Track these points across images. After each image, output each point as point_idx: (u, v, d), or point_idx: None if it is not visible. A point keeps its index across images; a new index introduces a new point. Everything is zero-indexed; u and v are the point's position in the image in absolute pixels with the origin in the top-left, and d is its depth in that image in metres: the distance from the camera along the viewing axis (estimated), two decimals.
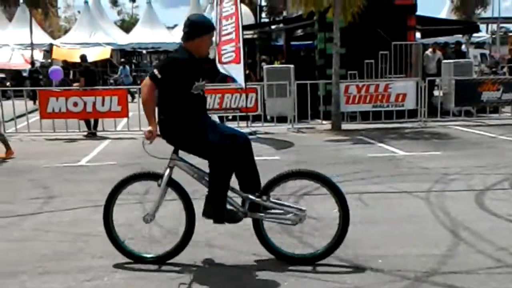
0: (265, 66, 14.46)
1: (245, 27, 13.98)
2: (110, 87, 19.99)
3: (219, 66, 11.90)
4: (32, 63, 26.72)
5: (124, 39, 32.45)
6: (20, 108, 13.36)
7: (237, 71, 12.02)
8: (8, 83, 24.51)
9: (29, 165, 9.17)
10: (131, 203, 5.89)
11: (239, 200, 4.53)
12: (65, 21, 54.74)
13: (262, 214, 4.49)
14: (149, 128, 4.33)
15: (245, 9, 17.39)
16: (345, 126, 13.02)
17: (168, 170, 4.50)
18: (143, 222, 4.55)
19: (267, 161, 8.98)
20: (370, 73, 14.32)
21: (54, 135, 12.64)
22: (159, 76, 4.32)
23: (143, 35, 31.58)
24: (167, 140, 4.48)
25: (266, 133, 12.76)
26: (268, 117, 13.64)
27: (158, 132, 4.40)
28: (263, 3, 35.54)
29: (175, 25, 38.51)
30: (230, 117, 13.80)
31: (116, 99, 12.77)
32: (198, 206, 4.51)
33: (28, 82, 24.03)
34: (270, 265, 4.48)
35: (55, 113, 12.73)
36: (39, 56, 28.98)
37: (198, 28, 4.46)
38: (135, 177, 4.65)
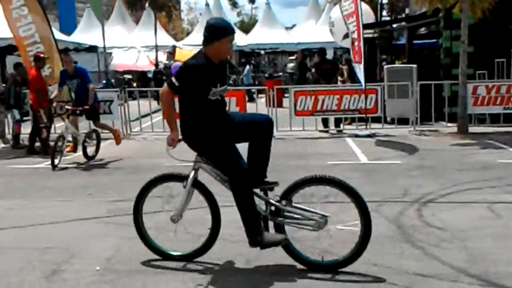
0: (385, 66, 14.00)
1: (365, 26, 13.61)
2: (229, 87, 20.19)
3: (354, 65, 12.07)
4: (156, 64, 27.81)
5: (243, 40, 32.95)
6: (145, 108, 13.85)
7: (359, 71, 11.79)
8: (134, 84, 25.67)
9: (151, 164, 9.44)
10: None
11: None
12: (188, 24, 56.66)
13: (281, 219, 4.41)
14: (170, 134, 4.45)
15: (365, 7, 16.94)
16: (472, 129, 12.28)
17: (193, 172, 4.57)
18: (171, 222, 4.61)
19: (387, 165, 8.63)
20: (501, 73, 13.44)
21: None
22: (176, 83, 4.32)
23: (262, 35, 31.86)
24: (188, 145, 4.52)
25: (386, 135, 12.32)
26: (388, 119, 13.17)
27: (180, 137, 4.46)
28: (384, 1, 34.68)
29: (293, 25, 38.57)
30: (348, 120, 13.53)
31: (234, 101, 12.88)
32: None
33: (152, 83, 25.00)
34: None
35: None
36: (162, 57, 30.10)
37: (217, 32, 4.39)
38: (162, 178, 4.74)
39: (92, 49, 25.52)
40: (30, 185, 8.13)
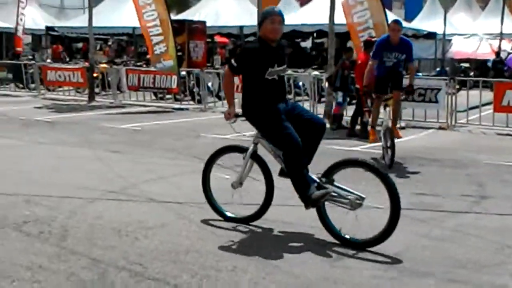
0: None
1: None
2: None
3: None
4: (498, 53, 25.95)
5: None
6: (475, 99, 12.99)
7: None
8: (471, 73, 24.43)
9: (469, 159, 8.79)
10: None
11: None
12: None
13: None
14: (227, 109, 5.11)
15: None
16: None
17: (252, 146, 5.14)
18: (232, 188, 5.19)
19: None
20: None
21: (508, 130, 11.84)
22: (235, 64, 4.95)
23: None
24: (249, 121, 5.10)
25: None
26: None
27: (239, 113, 5.09)
28: None
29: None
30: None
31: None
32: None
33: (491, 73, 23.46)
34: None
35: (510, 106, 11.93)
36: (507, 46, 27.96)
37: (261, 17, 5.11)
38: (227, 149, 5.44)
39: (431, 36, 25.07)
40: None
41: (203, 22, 20.46)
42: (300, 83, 15.51)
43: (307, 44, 28.18)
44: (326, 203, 4.80)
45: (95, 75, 17.08)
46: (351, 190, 4.76)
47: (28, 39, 31.17)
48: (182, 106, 15.51)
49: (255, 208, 5.28)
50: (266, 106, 4.92)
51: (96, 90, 17.22)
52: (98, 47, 33.99)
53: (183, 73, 16.31)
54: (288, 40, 24.39)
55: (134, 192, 6.31)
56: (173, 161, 8.33)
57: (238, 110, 5.19)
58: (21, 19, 22.65)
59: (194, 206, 5.84)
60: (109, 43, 31.23)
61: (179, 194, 6.30)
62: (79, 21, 26.25)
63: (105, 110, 14.95)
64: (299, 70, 16.89)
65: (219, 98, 15.46)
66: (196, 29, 19.48)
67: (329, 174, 4.81)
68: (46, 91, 18.31)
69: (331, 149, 9.78)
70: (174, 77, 15.32)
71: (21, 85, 19.07)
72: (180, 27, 18.41)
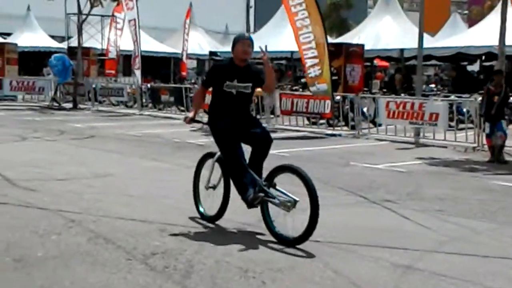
0: None
1: None
2: None
3: None
4: None
5: None
6: None
7: None
8: None
9: None
10: None
11: None
12: None
13: (266, 198, 5.44)
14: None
15: None
16: None
17: (219, 152, 5.80)
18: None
19: None
20: None
21: None
22: (204, 78, 6.13)
23: None
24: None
25: None
26: None
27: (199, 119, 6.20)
28: None
29: None
30: None
31: None
32: None
33: None
34: None
35: None
36: None
37: (233, 41, 5.78)
38: (207, 155, 6.08)
39: None
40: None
41: (361, 45, 19.84)
42: (464, 109, 14.27)
43: (474, 67, 26.45)
44: (269, 204, 5.43)
45: None
46: (288, 194, 5.31)
47: (194, 63, 32.74)
48: (335, 132, 14.99)
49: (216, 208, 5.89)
50: (218, 118, 5.68)
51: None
52: None
53: (338, 97, 15.82)
54: (453, 63, 23.01)
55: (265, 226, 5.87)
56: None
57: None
58: (185, 45, 23.65)
59: (332, 246, 5.28)
60: None
61: (317, 231, 5.74)
62: None
63: None
64: (464, 96, 15.64)
65: (374, 124, 14.73)
66: (353, 52, 18.92)
67: (270, 178, 5.49)
68: (204, 115, 18.75)
69: (493, 185, 8.69)
70: (328, 102, 14.87)
71: (182, 108, 19.76)
72: (337, 50, 17.99)
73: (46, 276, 4.46)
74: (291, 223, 5.21)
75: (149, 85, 22.08)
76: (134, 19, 20.39)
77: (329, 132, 15.11)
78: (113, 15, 26.90)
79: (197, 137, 14.01)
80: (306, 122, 16.27)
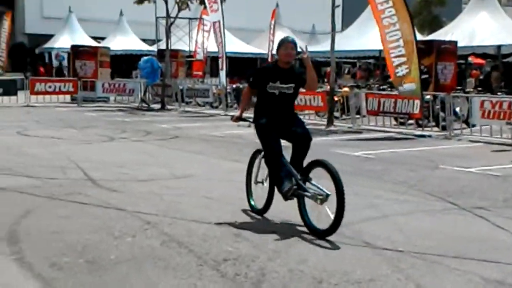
0: None
1: None
2: None
3: None
4: None
5: None
6: None
7: None
8: None
9: None
10: None
11: None
12: None
13: (300, 191, 5.69)
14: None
15: None
16: None
17: None
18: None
19: None
20: None
21: None
22: (250, 79, 6.19)
23: None
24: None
25: None
26: None
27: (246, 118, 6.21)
28: None
29: None
30: None
31: None
32: None
33: None
34: None
35: None
36: None
37: (277, 44, 6.14)
38: (257, 152, 6.35)
39: None
40: None
41: (454, 42, 18.96)
42: None
43: None
44: (305, 198, 5.64)
45: (336, 99, 16.80)
46: (321, 188, 5.46)
47: None
48: (424, 133, 14.34)
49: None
50: (260, 116, 5.98)
51: (336, 114, 16.90)
52: (346, 71, 34.15)
53: (428, 97, 15.15)
54: None
55: (348, 232, 5.55)
56: (402, 197, 7.39)
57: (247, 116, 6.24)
58: (270, 45, 23.57)
59: (415, 257, 4.90)
60: (356, 66, 31.10)
61: (400, 240, 5.39)
62: (328, 45, 26.51)
63: (341, 135, 14.48)
64: None
65: (468, 125, 13.97)
66: (445, 49, 18.12)
67: (305, 173, 5.73)
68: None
69: None
70: (417, 102, 14.24)
71: None
72: (427, 48, 17.30)
73: (118, 279, 4.39)
74: (324, 215, 5.41)
75: (234, 86, 22.16)
76: (219, 21, 20.49)
77: (418, 133, 14.47)
78: (200, 18, 27.29)
79: None
80: (394, 122, 15.70)
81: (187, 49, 29.30)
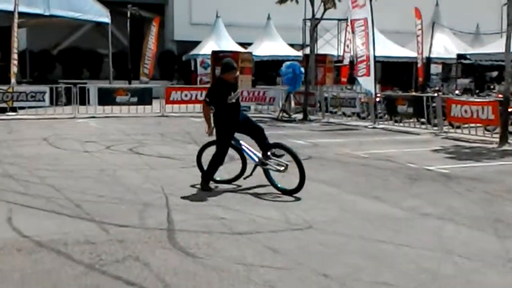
0: None
1: None
2: None
3: None
4: None
5: None
6: None
7: None
8: None
9: None
10: None
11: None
12: None
13: (264, 165, 7.87)
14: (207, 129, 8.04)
15: None
16: None
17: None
18: None
19: None
20: None
21: None
22: (207, 99, 7.97)
23: None
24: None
25: None
26: None
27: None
28: None
29: None
30: None
31: None
32: None
33: None
34: None
35: None
36: None
37: (222, 67, 8.17)
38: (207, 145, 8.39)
39: None
40: None
41: None
42: None
43: None
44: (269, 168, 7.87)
45: (511, 110, 13.49)
46: (281, 160, 7.79)
47: (438, 68, 29.09)
48: None
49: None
50: (224, 120, 7.89)
51: (511, 129, 13.59)
52: None
53: None
54: None
55: None
56: None
57: None
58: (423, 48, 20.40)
59: None
60: None
61: None
62: (494, 46, 22.71)
63: None
64: None
65: None
66: None
67: (266, 152, 7.90)
68: (449, 128, 15.54)
69: None
70: None
71: (422, 120, 16.71)
72: None
73: None
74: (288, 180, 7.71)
75: (383, 94, 19.38)
76: (365, 19, 17.77)
77: None
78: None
79: (438, 160, 11.00)
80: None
81: (336, 53, 26.94)
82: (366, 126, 17.74)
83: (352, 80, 25.59)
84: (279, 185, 7.76)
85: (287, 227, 6.12)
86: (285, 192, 7.61)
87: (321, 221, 6.34)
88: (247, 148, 8.06)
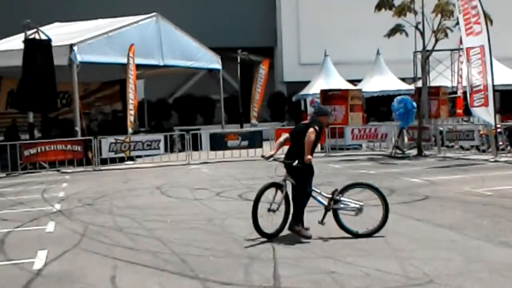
0: None
1: None
2: None
3: None
4: None
5: None
6: None
7: None
8: None
9: None
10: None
11: None
12: None
13: (336, 206, 7.59)
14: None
15: None
16: None
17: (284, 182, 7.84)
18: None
19: None
20: None
21: None
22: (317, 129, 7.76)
23: None
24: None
25: None
26: None
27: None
28: None
29: None
30: None
31: None
32: None
33: None
34: None
35: None
36: None
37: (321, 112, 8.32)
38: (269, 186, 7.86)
39: None
40: None
41: None
42: None
43: None
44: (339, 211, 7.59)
45: None
46: (354, 201, 7.64)
47: None
48: None
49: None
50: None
51: None
52: None
53: None
54: None
55: None
56: None
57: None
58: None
59: None
60: None
61: None
62: None
63: None
64: None
65: None
66: None
67: (341, 192, 7.73)
68: None
69: None
70: None
71: None
72: None
73: None
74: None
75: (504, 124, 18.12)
76: (482, 46, 16.78)
77: None
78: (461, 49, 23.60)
79: None
80: None
81: (449, 85, 25.76)
82: (487, 160, 16.61)
83: (469, 112, 24.27)
84: (351, 229, 7.56)
85: (404, 282, 5.57)
86: (360, 235, 7.48)
87: (444, 274, 5.73)
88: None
